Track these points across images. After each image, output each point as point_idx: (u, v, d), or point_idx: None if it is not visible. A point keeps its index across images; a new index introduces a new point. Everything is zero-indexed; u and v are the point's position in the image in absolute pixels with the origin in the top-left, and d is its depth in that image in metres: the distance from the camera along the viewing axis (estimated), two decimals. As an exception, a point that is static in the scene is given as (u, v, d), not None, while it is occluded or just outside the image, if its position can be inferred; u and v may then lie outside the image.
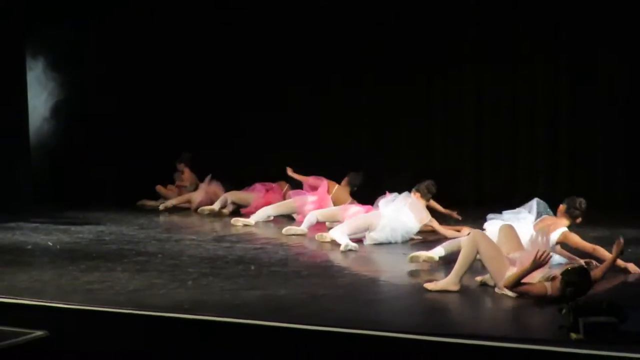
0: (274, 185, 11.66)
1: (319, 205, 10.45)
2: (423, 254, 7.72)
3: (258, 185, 11.68)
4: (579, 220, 7.79)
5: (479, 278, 6.84)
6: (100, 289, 6.65)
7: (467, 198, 11.82)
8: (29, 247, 8.80)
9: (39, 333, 5.81)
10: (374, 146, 12.70)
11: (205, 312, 5.83)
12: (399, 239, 9.04)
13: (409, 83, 12.50)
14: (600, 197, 11.65)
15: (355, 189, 10.85)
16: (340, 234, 8.91)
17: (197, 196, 12.25)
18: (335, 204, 10.44)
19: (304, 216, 10.01)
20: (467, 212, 10.32)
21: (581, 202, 7.78)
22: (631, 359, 4.75)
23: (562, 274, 6.10)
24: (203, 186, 12.34)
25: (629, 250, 8.32)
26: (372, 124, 12.82)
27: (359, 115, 12.79)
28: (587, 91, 11.71)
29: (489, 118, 12.26)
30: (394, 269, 7.83)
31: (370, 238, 8.98)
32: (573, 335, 5.09)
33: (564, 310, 5.23)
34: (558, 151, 11.91)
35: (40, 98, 12.64)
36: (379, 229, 8.99)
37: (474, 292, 6.66)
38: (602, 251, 7.42)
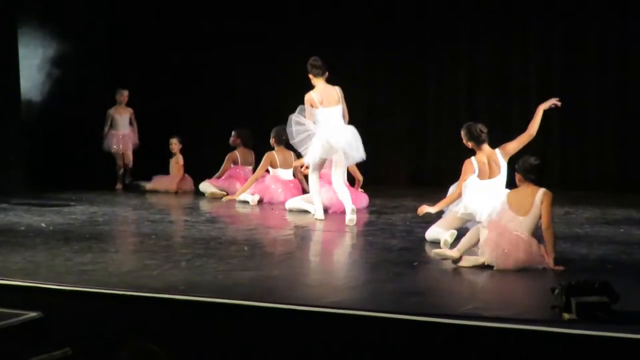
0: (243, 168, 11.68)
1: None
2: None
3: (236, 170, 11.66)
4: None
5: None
6: (93, 270, 6.65)
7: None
8: (22, 228, 8.78)
9: (32, 314, 5.80)
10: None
11: (199, 293, 5.84)
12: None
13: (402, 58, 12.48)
14: (591, 178, 11.71)
15: None
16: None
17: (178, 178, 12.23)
18: None
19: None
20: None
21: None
22: (623, 339, 4.77)
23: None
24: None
25: (621, 230, 8.36)
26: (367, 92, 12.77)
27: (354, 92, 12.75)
28: (578, 72, 11.71)
29: (481, 103, 12.25)
30: (386, 250, 7.84)
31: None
32: (566, 316, 5.11)
33: (556, 291, 5.25)
34: (550, 132, 11.91)
35: (32, 68, 12.55)
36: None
37: (465, 273, 6.68)
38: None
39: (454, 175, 9.97)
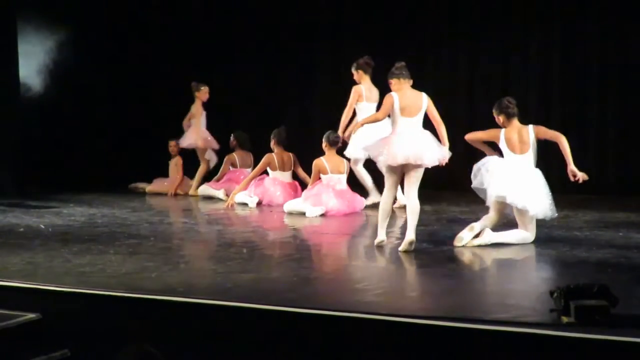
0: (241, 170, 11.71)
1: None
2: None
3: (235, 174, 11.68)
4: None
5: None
6: (92, 271, 6.65)
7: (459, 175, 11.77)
8: (21, 229, 8.78)
9: (31, 315, 5.81)
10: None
11: (197, 295, 5.84)
12: None
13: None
14: (591, 181, 11.68)
15: None
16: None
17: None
18: None
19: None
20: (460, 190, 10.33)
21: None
22: (622, 342, 4.76)
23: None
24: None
25: (620, 234, 8.36)
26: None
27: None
28: (578, 74, 11.69)
29: (481, 96, 12.20)
30: (385, 252, 7.83)
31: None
32: (564, 319, 5.10)
33: (555, 294, 5.25)
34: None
35: (31, 66, 12.51)
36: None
37: (464, 276, 6.68)
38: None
39: (453, 176, 9.97)
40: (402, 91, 7.66)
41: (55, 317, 5.86)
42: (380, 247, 7.66)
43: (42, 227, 8.91)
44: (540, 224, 8.33)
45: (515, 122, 7.77)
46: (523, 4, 11.85)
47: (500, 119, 7.80)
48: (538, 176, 7.82)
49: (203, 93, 11.92)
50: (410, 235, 7.43)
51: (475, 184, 7.84)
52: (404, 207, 9.24)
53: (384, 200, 7.74)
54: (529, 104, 11.93)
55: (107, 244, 7.84)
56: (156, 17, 13.26)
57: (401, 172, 7.61)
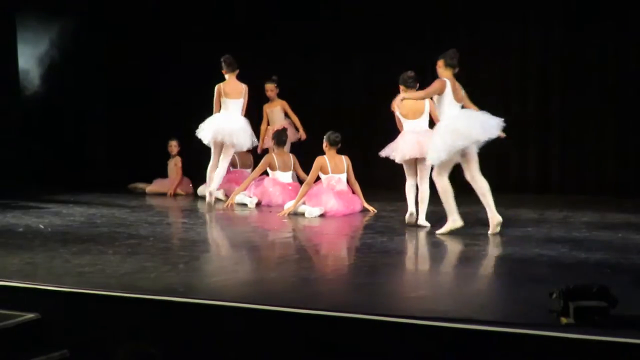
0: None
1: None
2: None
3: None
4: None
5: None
6: (91, 272, 6.65)
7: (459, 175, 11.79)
8: (20, 229, 8.78)
9: (30, 315, 5.81)
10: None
11: (196, 295, 5.84)
12: None
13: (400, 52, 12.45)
14: (590, 182, 11.69)
15: None
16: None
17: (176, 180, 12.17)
18: None
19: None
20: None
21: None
22: (621, 343, 4.76)
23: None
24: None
25: (620, 235, 8.36)
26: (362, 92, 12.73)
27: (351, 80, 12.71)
28: (577, 74, 11.69)
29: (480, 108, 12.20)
30: (385, 253, 7.83)
31: None
32: (563, 320, 5.11)
33: (554, 295, 5.25)
34: (548, 137, 11.90)
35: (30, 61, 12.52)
36: None
37: (463, 276, 6.68)
38: None
39: (452, 176, 9.96)
40: (405, 99, 8.77)
41: (55, 317, 5.86)
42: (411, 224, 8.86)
43: (42, 227, 8.91)
44: (540, 224, 8.34)
45: (450, 73, 8.39)
46: (523, 4, 11.87)
47: (440, 63, 8.41)
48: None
49: (269, 90, 11.76)
50: (422, 217, 8.95)
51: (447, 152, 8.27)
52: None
53: (407, 185, 9.06)
54: (528, 103, 11.97)
55: (106, 244, 7.84)
56: (157, 14, 13.26)
57: (414, 164, 8.97)
